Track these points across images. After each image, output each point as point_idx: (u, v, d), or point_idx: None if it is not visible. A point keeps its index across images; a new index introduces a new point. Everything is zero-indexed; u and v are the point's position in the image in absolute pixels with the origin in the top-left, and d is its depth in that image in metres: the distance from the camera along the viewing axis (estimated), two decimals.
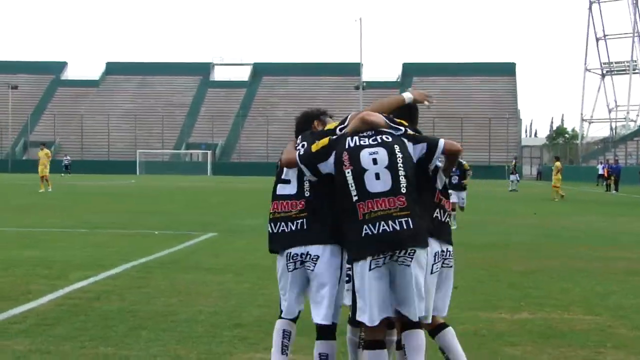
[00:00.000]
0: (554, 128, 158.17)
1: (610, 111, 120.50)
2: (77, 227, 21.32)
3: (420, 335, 6.13)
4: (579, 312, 10.21)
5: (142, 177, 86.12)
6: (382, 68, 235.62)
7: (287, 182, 6.53)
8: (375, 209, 5.86)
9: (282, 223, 6.42)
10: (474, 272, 13.60)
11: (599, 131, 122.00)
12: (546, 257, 16.22)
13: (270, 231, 6.51)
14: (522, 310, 10.29)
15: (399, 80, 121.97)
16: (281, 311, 6.74)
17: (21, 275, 12.60)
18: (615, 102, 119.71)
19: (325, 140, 6.23)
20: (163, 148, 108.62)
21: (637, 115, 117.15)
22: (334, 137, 6.28)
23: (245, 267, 13.77)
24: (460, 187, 23.77)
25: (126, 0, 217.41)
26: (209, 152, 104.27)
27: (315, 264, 6.25)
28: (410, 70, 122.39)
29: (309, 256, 6.26)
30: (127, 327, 8.87)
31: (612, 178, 58.50)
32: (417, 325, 6.09)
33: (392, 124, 6.29)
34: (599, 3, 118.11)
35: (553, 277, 13.33)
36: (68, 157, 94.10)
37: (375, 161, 5.98)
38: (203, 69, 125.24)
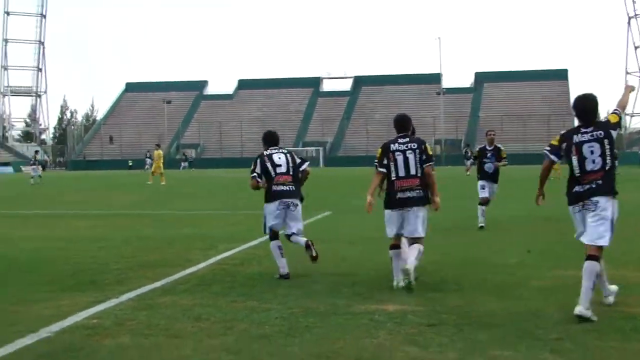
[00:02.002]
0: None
1: None
2: (220, 209, 21.66)
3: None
4: (634, 270, 9.90)
5: None
6: (457, 76, 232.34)
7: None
8: None
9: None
10: (544, 238, 13.32)
11: (639, 123, 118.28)
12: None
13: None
14: None
15: (472, 86, 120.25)
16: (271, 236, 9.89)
17: (182, 247, 12.85)
18: None
19: None
20: (285, 147, 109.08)
21: None
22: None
23: (356, 238, 13.77)
24: (494, 178, 16.16)
25: (252, 27, 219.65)
26: (321, 149, 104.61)
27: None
28: (481, 78, 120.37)
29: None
30: (266, 286, 8.96)
31: None
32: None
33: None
34: (636, 18, 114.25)
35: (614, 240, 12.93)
36: (190, 154, 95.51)
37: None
38: (314, 82, 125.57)
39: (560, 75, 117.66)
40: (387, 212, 8.88)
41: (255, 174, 9.85)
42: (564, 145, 7.55)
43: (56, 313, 7.42)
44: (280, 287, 8.84)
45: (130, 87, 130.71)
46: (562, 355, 5.72)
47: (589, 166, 7.34)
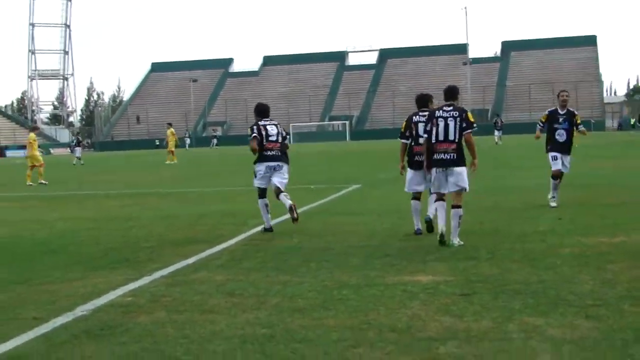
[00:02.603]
0: (631, 87, 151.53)
1: None
2: (249, 186, 21.69)
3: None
4: None
5: (295, 144, 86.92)
6: (484, 46, 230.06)
7: None
8: None
9: None
10: (572, 208, 13.23)
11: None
12: (630, 192, 15.60)
13: None
14: (618, 235, 9.94)
15: (499, 55, 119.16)
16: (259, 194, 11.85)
17: (213, 223, 12.94)
18: None
19: None
20: (310, 121, 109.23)
21: None
22: None
23: (385, 211, 13.77)
24: (567, 149, 13.61)
25: (276, 3, 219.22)
26: (347, 122, 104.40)
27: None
28: (508, 47, 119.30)
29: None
30: (298, 260, 8.98)
31: None
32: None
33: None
34: None
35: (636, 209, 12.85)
36: (218, 132, 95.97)
37: None
38: (339, 57, 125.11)
39: (589, 41, 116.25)
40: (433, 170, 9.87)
41: (255, 134, 11.70)
42: None
43: (91, 291, 7.51)
44: (313, 260, 8.86)
45: (156, 67, 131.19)
46: (598, 321, 5.70)
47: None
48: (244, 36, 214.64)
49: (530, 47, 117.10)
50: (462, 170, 9.62)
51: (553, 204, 13.37)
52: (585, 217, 11.95)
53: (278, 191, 11.62)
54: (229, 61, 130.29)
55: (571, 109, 13.69)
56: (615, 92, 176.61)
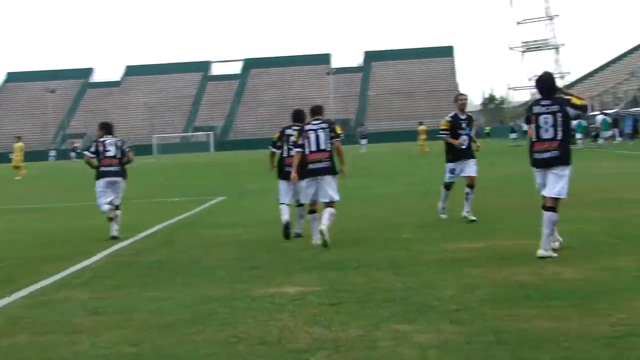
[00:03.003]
0: (486, 96, 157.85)
1: (529, 80, 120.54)
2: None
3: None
4: (523, 239, 10.19)
5: (158, 156, 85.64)
6: (347, 56, 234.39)
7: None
8: None
9: None
10: (435, 214, 13.58)
11: (522, 97, 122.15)
12: (502, 197, 16.18)
13: None
14: (478, 240, 10.29)
15: (361, 65, 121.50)
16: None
17: (74, 240, 12.55)
18: (534, 72, 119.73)
19: None
20: (174, 132, 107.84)
21: None
22: None
23: (252, 222, 13.75)
24: (470, 154, 12.82)
25: (139, 12, 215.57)
26: (211, 133, 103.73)
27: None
28: (371, 57, 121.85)
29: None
30: (164, 275, 8.83)
31: None
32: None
33: None
34: None
35: (504, 214, 13.35)
36: (77, 144, 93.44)
37: None
38: (203, 67, 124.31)
39: (446, 52, 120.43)
40: (303, 182, 10.58)
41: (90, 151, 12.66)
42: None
43: None
44: (179, 275, 8.73)
45: (12, 77, 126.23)
46: (461, 325, 5.87)
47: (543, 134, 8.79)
48: (105, 45, 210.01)
49: (391, 57, 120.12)
50: (333, 180, 10.56)
51: (444, 216, 12.66)
52: (444, 224, 12.30)
53: (111, 211, 12.40)
54: (89, 71, 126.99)
55: (469, 113, 12.97)
56: (471, 101, 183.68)
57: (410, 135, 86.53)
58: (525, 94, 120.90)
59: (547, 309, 6.27)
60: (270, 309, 6.76)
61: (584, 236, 9.82)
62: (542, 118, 8.77)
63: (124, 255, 10.61)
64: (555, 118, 8.72)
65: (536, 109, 8.87)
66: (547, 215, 8.66)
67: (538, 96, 9.14)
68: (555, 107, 8.75)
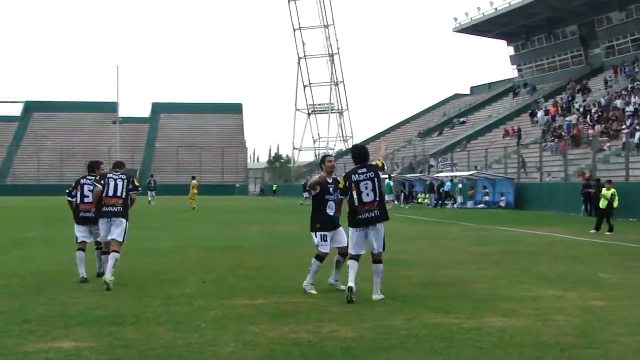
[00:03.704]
0: (272, 154, 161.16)
1: (314, 141, 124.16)
2: None
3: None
4: (302, 296, 10.46)
5: None
6: (135, 106, 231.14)
7: None
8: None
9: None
10: (218, 269, 13.62)
11: (307, 157, 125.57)
12: (274, 256, 16.46)
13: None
14: (259, 297, 10.41)
15: (149, 116, 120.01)
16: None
17: None
18: (319, 134, 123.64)
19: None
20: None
21: (334, 144, 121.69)
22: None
23: (28, 273, 13.07)
24: (337, 221, 11.15)
25: None
26: None
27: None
28: (159, 108, 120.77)
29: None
30: None
31: None
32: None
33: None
34: (305, 59, 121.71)
35: (280, 270, 13.58)
36: None
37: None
38: None
39: (236, 109, 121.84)
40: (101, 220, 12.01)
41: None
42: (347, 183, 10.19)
43: None
44: None
45: None
46: None
47: (365, 198, 10.10)
48: None
49: (180, 110, 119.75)
50: (126, 222, 11.93)
51: (312, 291, 10.90)
52: (230, 279, 12.34)
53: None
54: None
55: (335, 177, 11.29)
56: (258, 159, 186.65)
57: (204, 189, 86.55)
58: (310, 154, 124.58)
59: None
60: None
61: (361, 295, 10.21)
62: (362, 184, 10.09)
63: None
64: (374, 183, 10.11)
65: (355, 177, 10.16)
66: (377, 267, 10.12)
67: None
68: (371, 174, 10.16)
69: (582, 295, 10.78)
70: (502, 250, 17.79)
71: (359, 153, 10.44)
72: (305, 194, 61.54)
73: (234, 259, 15.69)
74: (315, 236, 11.05)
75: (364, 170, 10.21)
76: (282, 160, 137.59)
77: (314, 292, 10.79)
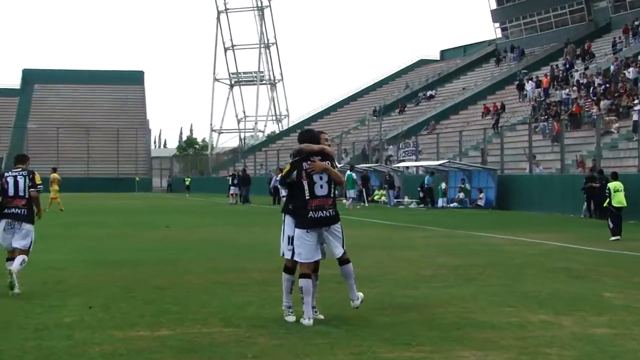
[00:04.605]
0: (184, 138, 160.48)
1: (239, 122, 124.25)
2: None
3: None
4: (218, 325, 10.43)
5: None
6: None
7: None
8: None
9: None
10: (107, 291, 13.48)
11: (228, 141, 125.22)
12: (186, 271, 16.34)
13: None
14: (162, 326, 10.33)
15: (19, 88, 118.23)
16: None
17: None
18: (244, 112, 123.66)
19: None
20: None
21: (265, 126, 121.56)
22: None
23: None
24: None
25: None
26: None
27: None
28: (32, 77, 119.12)
29: None
30: None
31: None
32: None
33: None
34: (226, 13, 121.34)
35: (190, 291, 13.51)
36: None
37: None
38: None
39: (135, 78, 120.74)
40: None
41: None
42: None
43: None
44: None
45: None
46: None
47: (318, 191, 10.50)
48: None
49: (61, 80, 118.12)
50: (32, 228, 13.71)
51: (289, 317, 10.73)
52: (124, 304, 12.20)
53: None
54: None
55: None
56: (165, 144, 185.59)
57: (88, 184, 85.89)
58: (233, 139, 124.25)
59: None
60: None
61: (296, 318, 10.14)
62: (315, 175, 10.48)
63: None
64: (329, 175, 10.51)
65: (306, 165, 10.51)
66: (345, 268, 10.59)
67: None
68: (327, 163, 10.55)
69: (580, 320, 10.94)
70: (479, 263, 17.97)
71: (311, 140, 10.84)
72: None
73: (131, 276, 15.55)
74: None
75: (319, 158, 10.60)
76: (197, 147, 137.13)
77: (292, 318, 10.62)
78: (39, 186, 13.92)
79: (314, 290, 10.64)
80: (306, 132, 11.26)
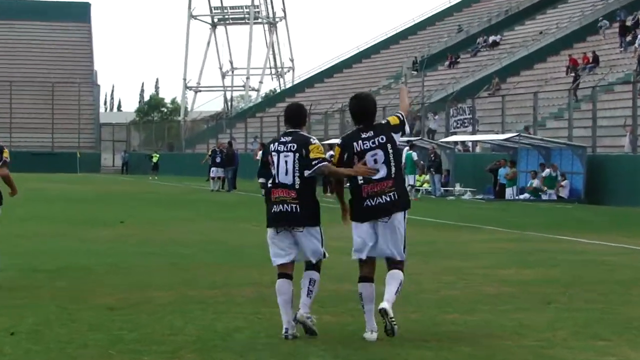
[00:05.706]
0: (147, 98, 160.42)
1: (224, 76, 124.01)
2: None
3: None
4: (193, 354, 10.46)
5: None
6: None
7: None
8: None
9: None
10: (40, 310, 13.51)
11: (209, 103, 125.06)
12: (149, 284, 16.37)
13: None
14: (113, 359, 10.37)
15: None
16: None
17: None
18: (231, 63, 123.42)
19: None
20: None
21: (260, 82, 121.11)
22: None
23: None
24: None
25: None
26: None
27: None
28: None
29: None
30: None
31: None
32: None
33: None
34: None
35: (154, 312, 13.53)
36: None
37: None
38: None
39: (78, 14, 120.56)
40: None
41: None
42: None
43: None
44: None
45: None
46: None
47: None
48: None
49: None
50: None
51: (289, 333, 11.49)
52: (61, 329, 12.25)
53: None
54: None
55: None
56: (120, 106, 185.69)
57: (17, 160, 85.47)
58: (216, 100, 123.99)
59: None
60: None
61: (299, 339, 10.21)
62: (369, 156, 11.17)
63: None
64: (387, 152, 11.22)
65: (358, 146, 11.22)
66: (394, 273, 11.30)
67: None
68: (382, 138, 11.25)
69: None
70: (560, 278, 17.97)
71: (299, 116, 11.82)
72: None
73: (73, 290, 15.60)
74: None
75: (371, 133, 11.28)
76: (165, 110, 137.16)
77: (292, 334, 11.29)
78: (6, 159, 15.06)
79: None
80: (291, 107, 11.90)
